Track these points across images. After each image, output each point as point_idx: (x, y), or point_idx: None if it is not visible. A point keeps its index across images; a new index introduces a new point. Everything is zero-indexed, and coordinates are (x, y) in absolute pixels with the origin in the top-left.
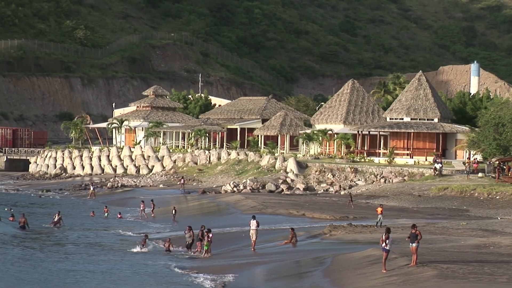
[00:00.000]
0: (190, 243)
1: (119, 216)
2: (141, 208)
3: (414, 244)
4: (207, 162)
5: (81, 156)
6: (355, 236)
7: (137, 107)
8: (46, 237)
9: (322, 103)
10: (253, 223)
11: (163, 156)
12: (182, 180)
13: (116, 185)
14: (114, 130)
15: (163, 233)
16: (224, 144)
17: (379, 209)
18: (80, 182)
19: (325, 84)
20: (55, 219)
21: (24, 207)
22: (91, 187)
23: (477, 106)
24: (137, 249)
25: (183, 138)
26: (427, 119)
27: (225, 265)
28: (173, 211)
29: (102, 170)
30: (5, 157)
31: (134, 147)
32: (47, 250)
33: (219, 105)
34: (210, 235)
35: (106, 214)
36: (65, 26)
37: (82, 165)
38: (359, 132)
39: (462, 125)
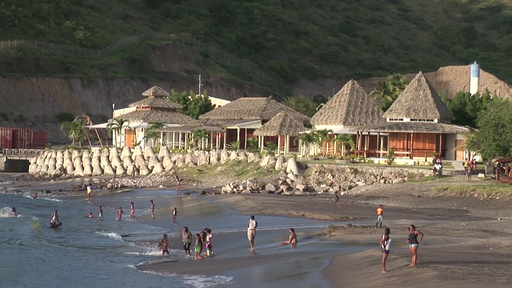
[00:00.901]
0: (188, 244)
1: (118, 214)
2: (131, 210)
3: (413, 245)
4: (207, 162)
5: (81, 157)
6: (355, 237)
7: (137, 107)
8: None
9: (322, 103)
10: (252, 223)
11: (163, 157)
12: (178, 180)
13: (115, 186)
14: (113, 130)
15: (158, 235)
16: (224, 144)
17: (379, 210)
18: (79, 183)
19: (324, 85)
20: (52, 220)
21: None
22: (88, 188)
23: (476, 106)
24: (156, 252)
25: (183, 139)
26: (427, 120)
27: (221, 266)
28: (174, 212)
29: (102, 170)
30: (5, 157)
31: (133, 148)
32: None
33: (218, 106)
34: (210, 235)
35: (100, 215)
36: (65, 26)
37: (82, 165)
38: (359, 132)
39: (461, 126)
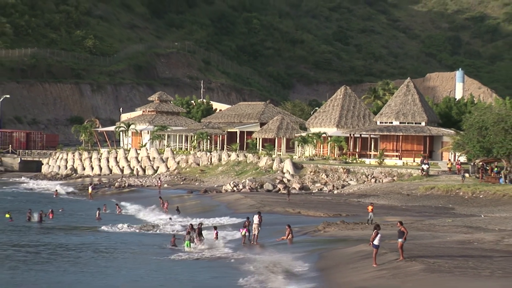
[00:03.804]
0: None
1: (165, 207)
2: (98, 212)
3: (399, 240)
4: (209, 163)
5: (91, 158)
6: (348, 233)
7: (143, 111)
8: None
9: (317, 107)
10: (256, 218)
11: (167, 158)
12: (159, 181)
13: (123, 185)
14: (121, 133)
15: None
16: (225, 146)
17: (370, 207)
18: (89, 183)
19: (319, 90)
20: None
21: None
22: (89, 188)
23: (462, 110)
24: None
25: (186, 141)
26: (415, 123)
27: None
28: (177, 209)
29: (110, 170)
30: (19, 158)
31: (140, 149)
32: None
33: (219, 110)
34: (216, 231)
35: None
36: (76, 35)
37: (92, 166)
38: (351, 135)
39: (447, 129)
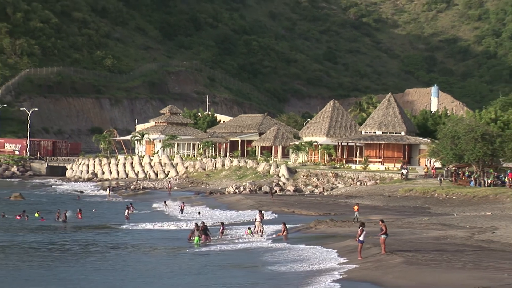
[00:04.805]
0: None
1: (182, 207)
2: (127, 211)
3: (381, 236)
4: (214, 168)
5: (109, 163)
6: (336, 230)
7: (156, 122)
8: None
9: (309, 119)
10: (257, 216)
11: (177, 163)
12: (170, 184)
13: (138, 188)
14: (136, 142)
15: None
16: (228, 153)
17: (356, 207)
18: (108, 185)
19: (311, 104)
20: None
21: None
22: (107, 190)
23: (436, 122)
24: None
25: (194, 149)
26: (395, 133)
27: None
28: (180, 211)
29: (127, 175)
30: (46, 164)
31: (153, 156)
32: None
33: (223, 121)
34: (222, 228)
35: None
36: (96, 55)
37: (110, 170)
38: (339, 143)
39: (424, 138)
